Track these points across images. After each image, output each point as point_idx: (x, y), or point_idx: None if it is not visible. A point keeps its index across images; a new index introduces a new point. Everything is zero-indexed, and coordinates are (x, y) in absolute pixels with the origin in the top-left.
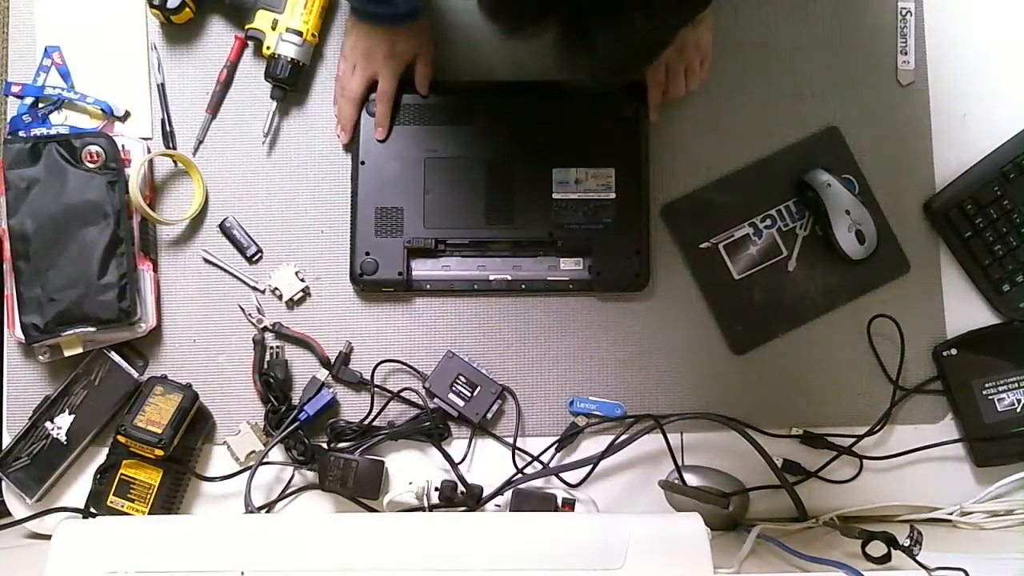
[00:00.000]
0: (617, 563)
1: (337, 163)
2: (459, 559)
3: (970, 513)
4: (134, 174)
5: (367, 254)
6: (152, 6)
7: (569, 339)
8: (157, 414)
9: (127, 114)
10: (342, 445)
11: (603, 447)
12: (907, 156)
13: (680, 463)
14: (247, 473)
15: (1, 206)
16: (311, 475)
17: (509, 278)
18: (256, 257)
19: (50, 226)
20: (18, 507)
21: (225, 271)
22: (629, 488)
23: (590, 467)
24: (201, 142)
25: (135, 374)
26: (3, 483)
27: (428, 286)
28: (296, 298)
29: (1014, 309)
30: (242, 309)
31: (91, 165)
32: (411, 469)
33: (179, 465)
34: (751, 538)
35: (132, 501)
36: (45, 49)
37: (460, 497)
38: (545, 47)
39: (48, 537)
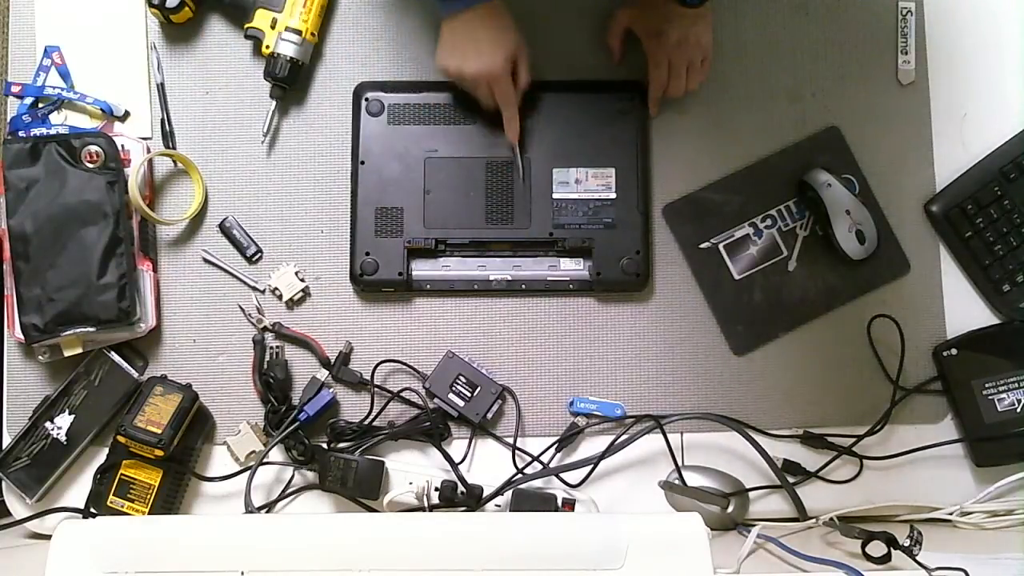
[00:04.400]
0: (617, 563)
1: (337, 163)
2: (459, 559)
3: (970, 513)
4: (133, 174)
5: (367, 254)
6: (152, 6)
7: (569, 339)
8: (157, 414)
9: (127, 114)
10: (342, 445)
11: (603, 447)
12: (907, 156)
13: (680, 463)
14: (247, 473)
15: (1, 206)
16: (311, 475)
17: (509, 278)
18: (256, 257)
19: (50, 226)
20: (18, 507)
21: (225, 271)
22: (629, 488)
23: (590, 467)
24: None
25: (135, 374)
26: (3, 483)
27: (428, 286)
28: (296, 298)
29: (1014, 309)
30: (242, 309)
31: (91, 165)
32: (411, 469)
33: (179, 465)
34: (751, 538)
35: (132, 501)
36: (45, 49)
37: (460, 497)
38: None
39: (48, 537)
